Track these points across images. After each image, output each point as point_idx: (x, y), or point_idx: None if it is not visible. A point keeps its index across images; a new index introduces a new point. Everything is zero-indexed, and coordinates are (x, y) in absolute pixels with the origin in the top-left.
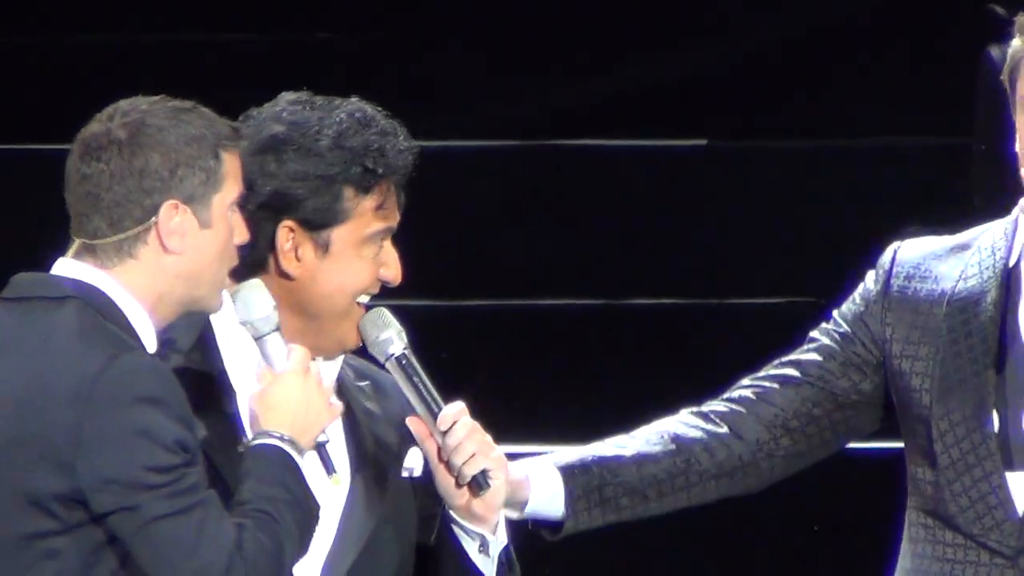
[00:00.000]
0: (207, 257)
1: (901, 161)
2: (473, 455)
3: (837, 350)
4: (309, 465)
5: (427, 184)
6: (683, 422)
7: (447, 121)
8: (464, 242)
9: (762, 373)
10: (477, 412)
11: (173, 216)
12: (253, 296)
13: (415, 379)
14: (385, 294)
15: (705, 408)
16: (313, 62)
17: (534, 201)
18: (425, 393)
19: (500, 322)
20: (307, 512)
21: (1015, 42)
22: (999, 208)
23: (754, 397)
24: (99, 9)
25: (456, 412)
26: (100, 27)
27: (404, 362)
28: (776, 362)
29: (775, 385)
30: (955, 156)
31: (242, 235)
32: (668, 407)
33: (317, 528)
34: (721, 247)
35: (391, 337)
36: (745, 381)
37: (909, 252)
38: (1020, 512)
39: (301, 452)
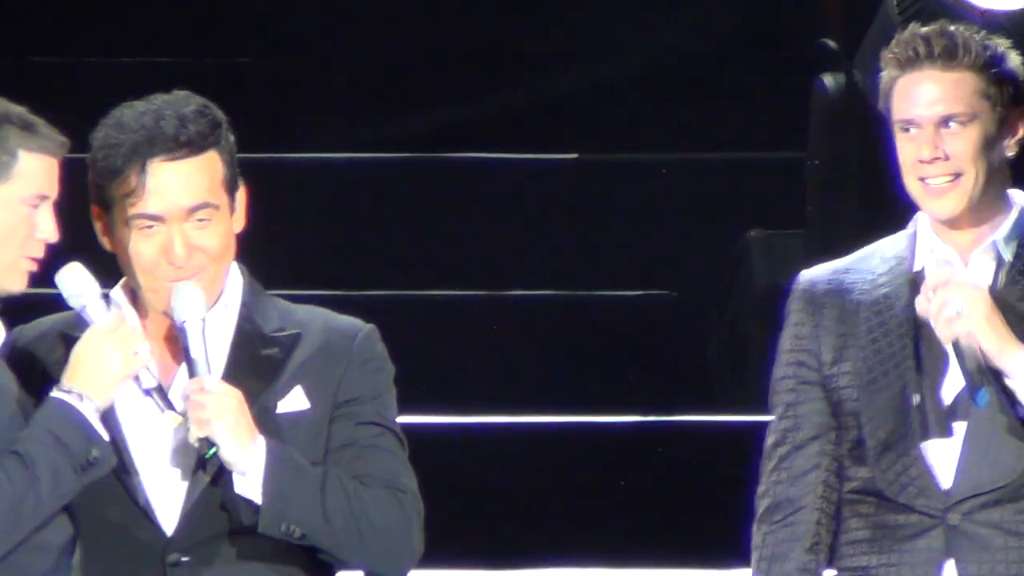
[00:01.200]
0: None
1: (746, 173)
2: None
3: (821, 406)
4: (142, 407)
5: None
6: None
7: (332, 134)
8: (355, 243)
9: (784, 491)
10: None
11: None
12: (66, 277)
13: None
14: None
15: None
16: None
17: (416, 208)
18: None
19: (393, 312)
20: (74, 455)
21: (883, 74)
22: (830, 215)
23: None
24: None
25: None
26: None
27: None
28: (780, 459)
29: (807, 497)
30: (792, 170)
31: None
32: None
33: (114, 464)
34: (591, 247)
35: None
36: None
37: (817, 273)
38: (938, 476)
39: (90, 400)
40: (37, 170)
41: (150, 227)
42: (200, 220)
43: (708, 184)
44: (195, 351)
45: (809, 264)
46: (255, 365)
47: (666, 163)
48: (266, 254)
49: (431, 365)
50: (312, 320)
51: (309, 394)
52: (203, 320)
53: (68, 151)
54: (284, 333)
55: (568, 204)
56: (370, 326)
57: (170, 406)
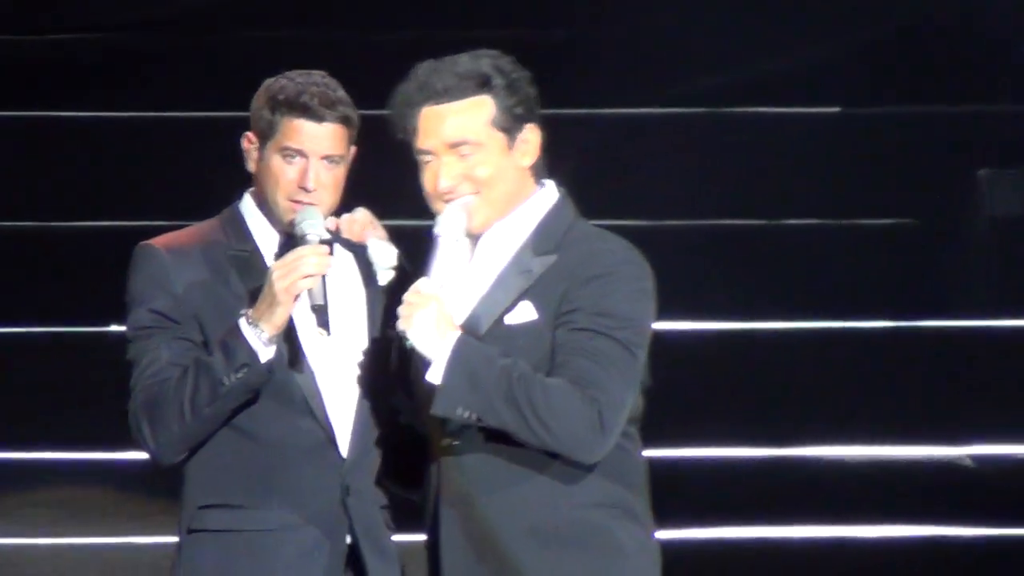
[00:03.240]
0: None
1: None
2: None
3: None
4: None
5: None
6: None
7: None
8: None
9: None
10: None
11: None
12: (306, 213)
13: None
14: None
15: None
16: None
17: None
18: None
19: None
20: (231, 365)
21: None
22: None
23: None
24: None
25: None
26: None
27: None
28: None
29: None
30: None
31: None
32: None
33: (266, 378)
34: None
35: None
36: None
37: None
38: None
39: (255, 324)
40: (288, 130)
41: (427, 161)
42: (463, 156)
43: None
44: (435, 263)
45: None
46: (511, 281)
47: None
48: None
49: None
50: (580, 243)
51: (538, 306)
52: (456, 240)
53: (340, 120)
54: (545, 255)
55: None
56: (622, 246)
57: (324, 324)
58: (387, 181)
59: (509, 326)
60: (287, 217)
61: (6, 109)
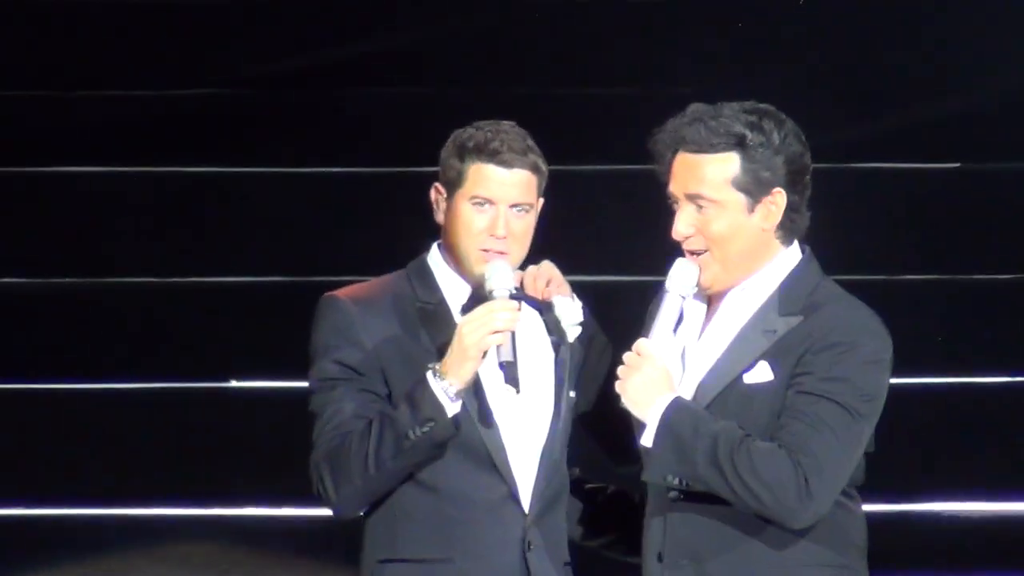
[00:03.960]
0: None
1: None
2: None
3: None
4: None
5: None
6: None
7: None
8: None
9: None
10: None
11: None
12: (495, 266)
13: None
14: None
15: None
16: None
17: None
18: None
19: None
20: (416, 420)
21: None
22: None
23: None
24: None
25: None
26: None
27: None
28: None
29: None
30: None
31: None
32: None
33: (452, 433)
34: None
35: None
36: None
37: None
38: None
39: (442, 377)
40: (478, 178)
41: (673, 204)
42: (700, 209)
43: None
44: (661, 318)
45: None
46: (753, 341)
47: None
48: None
49: None
50: (825, 307)
51: (775, 368)
52: (682, 297)
53: (536, 164)
54: (790, 316)
55: (951, 206)
56: (865, 314)
57: (513, 380)
58: (573, 236)
59: (748, 385)
60: (477, 267)
61: (149, 164)
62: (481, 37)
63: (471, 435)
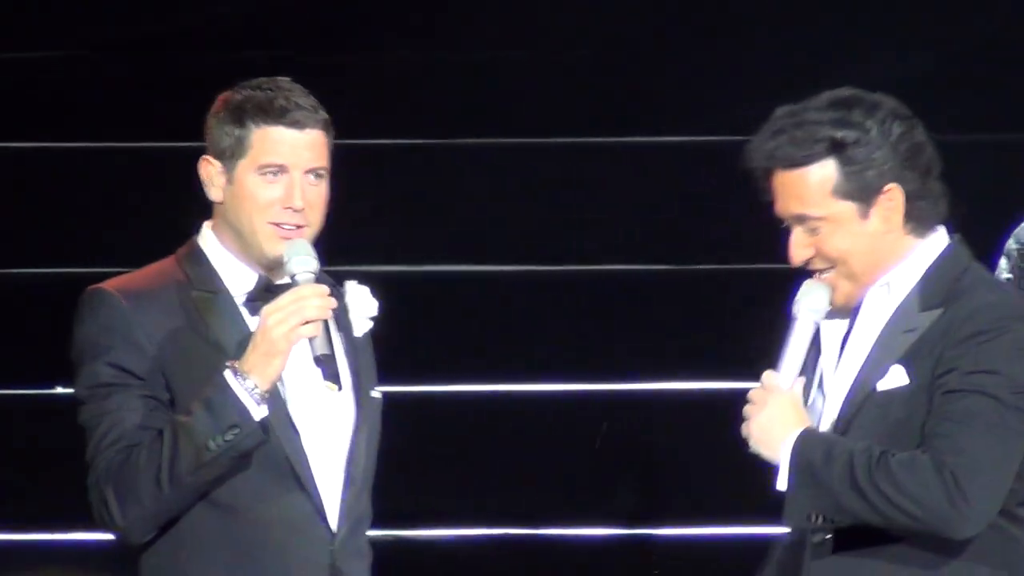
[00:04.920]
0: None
1: None
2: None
3: None
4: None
5: None
6: None
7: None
8: None
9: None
10: None
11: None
12: (292, 247)
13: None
14: None
15: None
16: None
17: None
18: None
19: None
20: (219, 428)
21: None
22: None
23: None
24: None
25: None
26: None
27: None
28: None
29: None
30: None
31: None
32: None
33: (259, 441)
34: None
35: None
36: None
37: None
38: None
39: (244, 377)
40: (266, 143)
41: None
42: (812, 230)
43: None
44: (791, 346)
45: None
46: (891, 345)
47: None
48: None
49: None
50: (969, 295)
51: (911, 370)
52: (816, 323)
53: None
54: (932, 310)
55: None
56: (1015, 299)
57: (333, 376)
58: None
59: (881, 394)
60: (269, 247)
61: None
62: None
63: (271, 444)
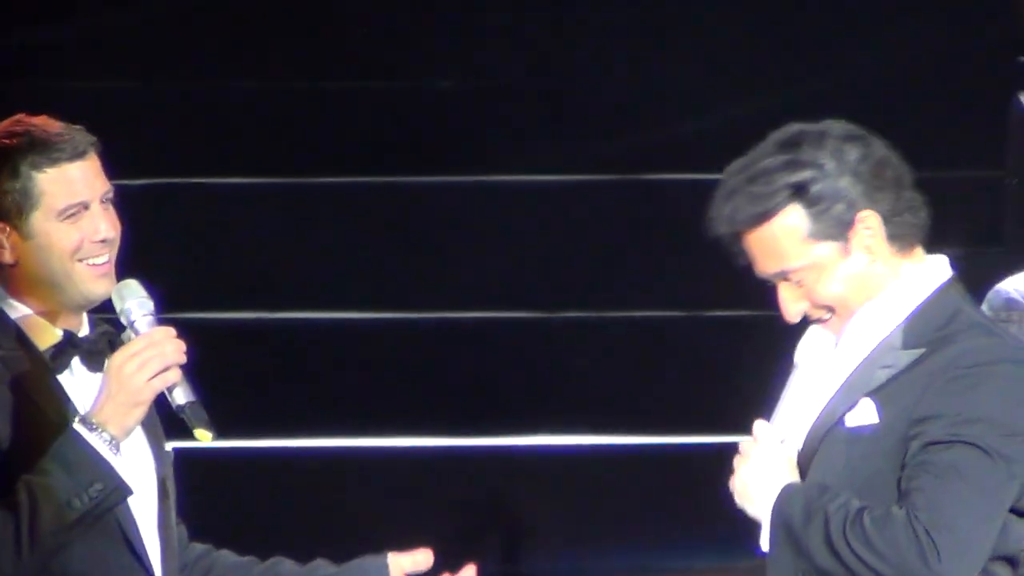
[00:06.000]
0: None
1: (945, 190)
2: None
3: None
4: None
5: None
6: None
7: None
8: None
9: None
10: None
11: None
12: (119, 291)
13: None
14: None
15: None
16: None
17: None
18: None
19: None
20: (78, 487)
21: None
22: None
23: None
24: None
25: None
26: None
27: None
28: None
29: None
30: (991, 188)
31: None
32: None
33: (122, 498)
34: None
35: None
36: None
37: None
38: None
39: (101, 430)
40: (58, 185)
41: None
42: (797, 282)
43: None
44: (788, 393)
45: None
46: (865, 379)
47: None
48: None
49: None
50: (959, 337)
51: (881, 407)
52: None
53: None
54: (914, 349)
55: None
56: (1009, 342)
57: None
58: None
59: (849, 429)
60: (90, 288)
61: None
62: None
63: None
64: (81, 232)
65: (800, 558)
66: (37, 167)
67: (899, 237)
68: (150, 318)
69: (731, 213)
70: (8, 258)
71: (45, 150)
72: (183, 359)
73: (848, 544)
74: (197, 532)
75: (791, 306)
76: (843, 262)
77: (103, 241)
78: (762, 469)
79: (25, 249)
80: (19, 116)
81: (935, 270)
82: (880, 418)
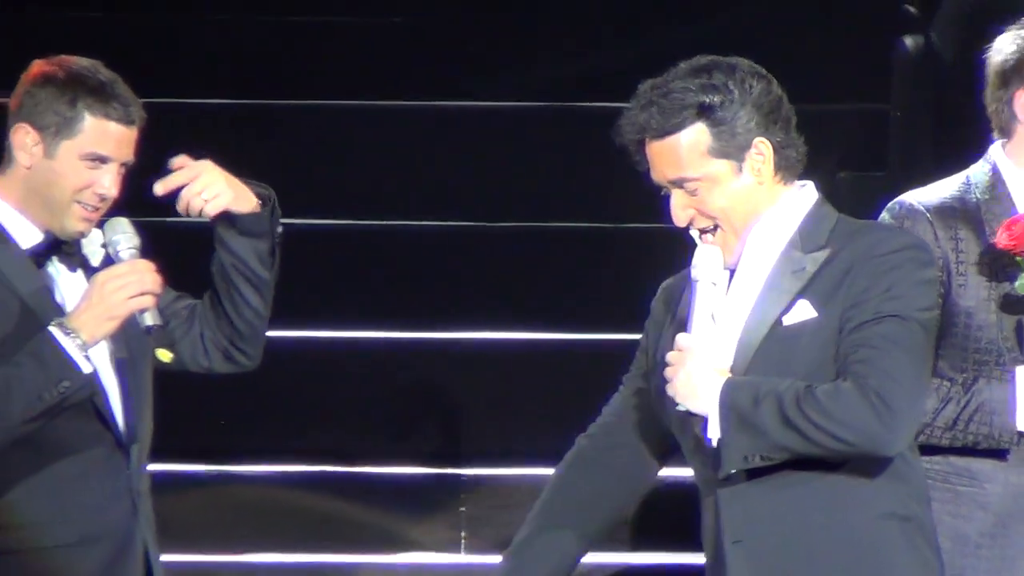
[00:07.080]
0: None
1: (836, 122)
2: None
3: None
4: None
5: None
6: None
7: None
8: None
9: None
10: None
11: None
12: (110, 224)
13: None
14: None
15: None
16: None
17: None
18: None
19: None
20: (49, 381)
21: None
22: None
23: None
24: None
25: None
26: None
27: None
28: None
29: None
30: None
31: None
32: None
33: (87, 395)
34: None
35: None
36: None
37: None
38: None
39: (77, 336)
40: (98, 133)
41: (665, 194)
42: (691, 191)
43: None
44: (697, 308)
45: (888, 200)
46: (784, 283)
47: None
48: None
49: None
50: (856, 235)
51: (816, 303)
52: (714, 284)
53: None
54: (816, 252)
55: None
56: (904, 232)
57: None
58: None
59: (788, 327)
60: (73, 225)
61: None
62: None
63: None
64: (92, 179)
65: (755, 440)
66: (92, 110)
67: (783, 168)
68: (134, 251)
69: (644, 121)
70: (24, 161)
71: (106, 102)
72: (159, 290)
73: (805, 416)
74: None
75: (681, 212)
76: (734, 180)
77: (103, 197)
78: (701, 367)
79: (43, 165)
80: (100, 62)
81: (806, 193)
82: (819, 313)
